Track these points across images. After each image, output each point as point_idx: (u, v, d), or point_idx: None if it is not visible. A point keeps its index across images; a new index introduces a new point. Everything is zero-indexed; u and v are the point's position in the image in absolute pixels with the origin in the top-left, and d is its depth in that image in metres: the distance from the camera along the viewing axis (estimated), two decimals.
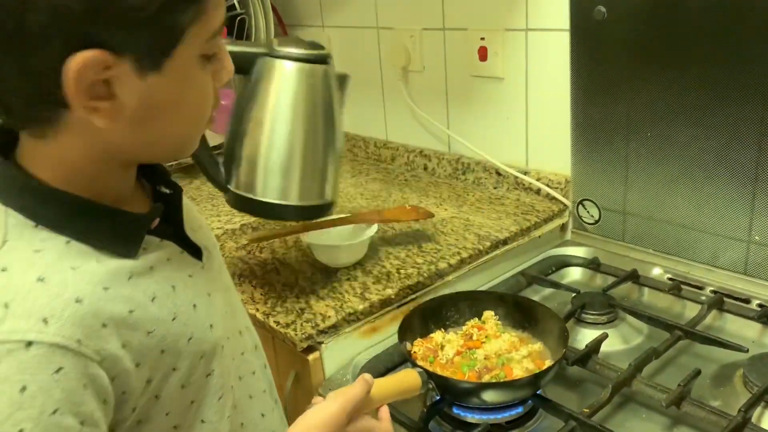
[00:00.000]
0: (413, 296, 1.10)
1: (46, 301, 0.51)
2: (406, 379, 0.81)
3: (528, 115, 1.40)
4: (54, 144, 0.55)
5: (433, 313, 1.01)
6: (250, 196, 0.93)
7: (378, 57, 1.71)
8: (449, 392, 0.87)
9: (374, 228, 1.18)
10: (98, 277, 0.55)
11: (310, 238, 1.16)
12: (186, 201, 0.70)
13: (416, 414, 0.87)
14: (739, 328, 1.05)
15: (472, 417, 0.88)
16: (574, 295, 1.13)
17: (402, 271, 1.13)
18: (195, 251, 0.67)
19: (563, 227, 1.37)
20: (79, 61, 0.49)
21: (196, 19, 0.53)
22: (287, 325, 0.99)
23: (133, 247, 0.59)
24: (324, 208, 0.98)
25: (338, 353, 1.00)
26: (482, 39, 1.42)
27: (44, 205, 0.56)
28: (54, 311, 0.51)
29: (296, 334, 0.97)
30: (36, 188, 0.56)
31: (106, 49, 0.50)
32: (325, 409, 0.68)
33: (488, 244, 1.21)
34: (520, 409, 0.88)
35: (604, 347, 0.98)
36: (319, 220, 1.18)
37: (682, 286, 1.14)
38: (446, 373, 0.89)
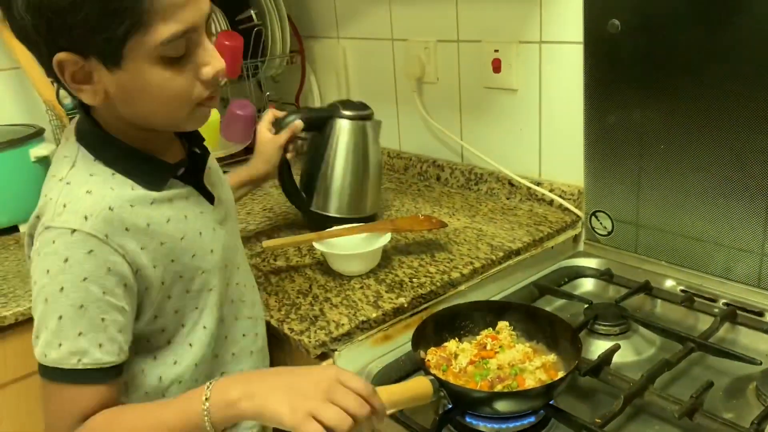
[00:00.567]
0: (426, 305, 1.10)
1: (89, 205, 0.74)
2: (418, 386, 0.81)
3: (541, 127, 1.41)
4: (97, 110, 0.79)
5: (448, 322, 1.01)
6: (325, 213, 1.34)
7: (392, 68, 1.73)
8: (461, 401, 0.88)
9: (387, 237, 1.19)
10: (128, 197, 0.77)
11: (324, 246, 1.17)
12: (213, 162, 0.94)
13: (428, 422, 0.87)
14: (752, 341, 1.05)
15: (484, 426, 0.88)
16: (586, 306, 1.13)
17: (415, 280, 1.13)
18: (209, 197, 0.88)
19: (576, 238, 1.37)
20: (57, 59, 0.70)
21: (134, 31, 0.69)
22: (301, 332, 1.00)
23: (159, 184, 0.81)
24: (372, 218, 1.38)
25: (351, 360, 1.01)
26: (496, 51, 1.43)
27: (102, 146, 0.79)
28: (93, 212, 0.73)
29: (310, 341, 0.98)
30: (98, 134, 0.79)
31: (74, 52, 0.70)
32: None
33: (501, 254, 1.22)
34: (532, 419, 0.88)
35: (617, 358, 0.98)
36: (332, 228, 1.22)
37: (695, 298, 1.13)
38: (459, 382, 0.89)
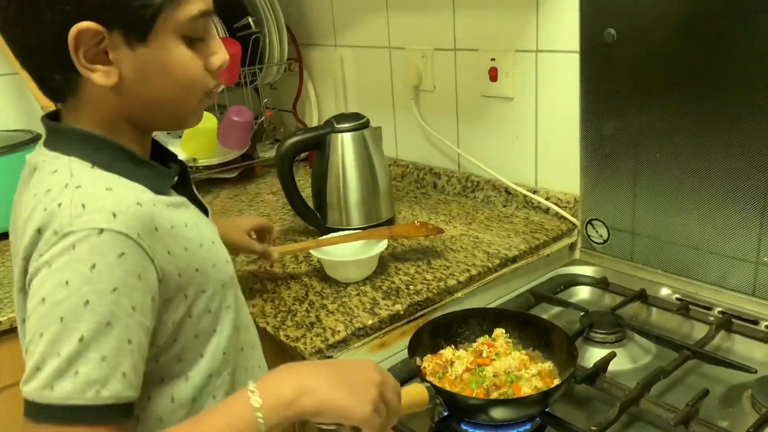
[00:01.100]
0: (422, 312, 1.10)
1: (114, 201, 0.64)
2: (414, 393, 0.81)
3: (537, 135, 1.42)
4: (81, 108, 0.70)
5: (444, 329, 1.02)
6: (346, 227, 1.35)
7: (390, 76, 1.74)
8: (457, 408, 0.88)
9: (384, 244, 1.19)
10: (149, 197, 0.69)
11: (321, 253, 1.18)
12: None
13: (424, 430, 0.87)
14: (747, 349, 1.05)
15: None
16: (582, 313, 1.13)
17: (411, 287, 1.14)
18: (204, 210, 0.82)
19: (572, 246, 1.38)
20: (77, 29, 0.63)
21: (169, 2, 0.66)
22: (297, 339, 1.00)
23: (165, 188, 0.73)
24: (391, 221, 1.43)
25: None
26: (493, 60, 1.44)
27: (97, 151, 0.70)
28: (121, 208, 0.64)
29: (306, 348, 0.98)
30: (89, 137, 0.70)
31: (98, 21, 0.64)
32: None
33: (497, 261, 1.22)
34: (528, 427, 0.88)
35: (612, 366, 0.98)
36: (328, 236, 1.22)
37: (691, 307, 1.14)
38: (455, 390, 0.89)
